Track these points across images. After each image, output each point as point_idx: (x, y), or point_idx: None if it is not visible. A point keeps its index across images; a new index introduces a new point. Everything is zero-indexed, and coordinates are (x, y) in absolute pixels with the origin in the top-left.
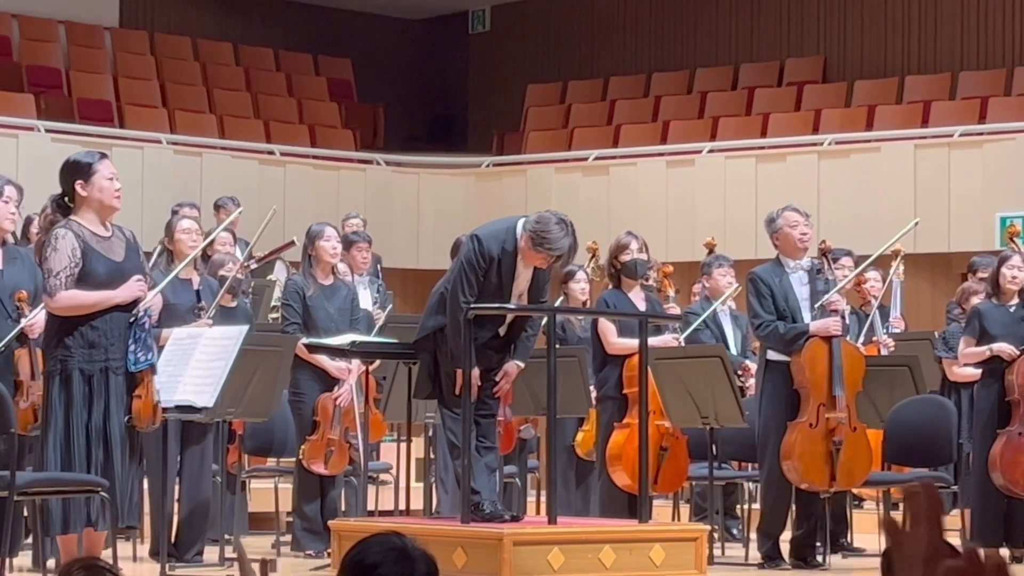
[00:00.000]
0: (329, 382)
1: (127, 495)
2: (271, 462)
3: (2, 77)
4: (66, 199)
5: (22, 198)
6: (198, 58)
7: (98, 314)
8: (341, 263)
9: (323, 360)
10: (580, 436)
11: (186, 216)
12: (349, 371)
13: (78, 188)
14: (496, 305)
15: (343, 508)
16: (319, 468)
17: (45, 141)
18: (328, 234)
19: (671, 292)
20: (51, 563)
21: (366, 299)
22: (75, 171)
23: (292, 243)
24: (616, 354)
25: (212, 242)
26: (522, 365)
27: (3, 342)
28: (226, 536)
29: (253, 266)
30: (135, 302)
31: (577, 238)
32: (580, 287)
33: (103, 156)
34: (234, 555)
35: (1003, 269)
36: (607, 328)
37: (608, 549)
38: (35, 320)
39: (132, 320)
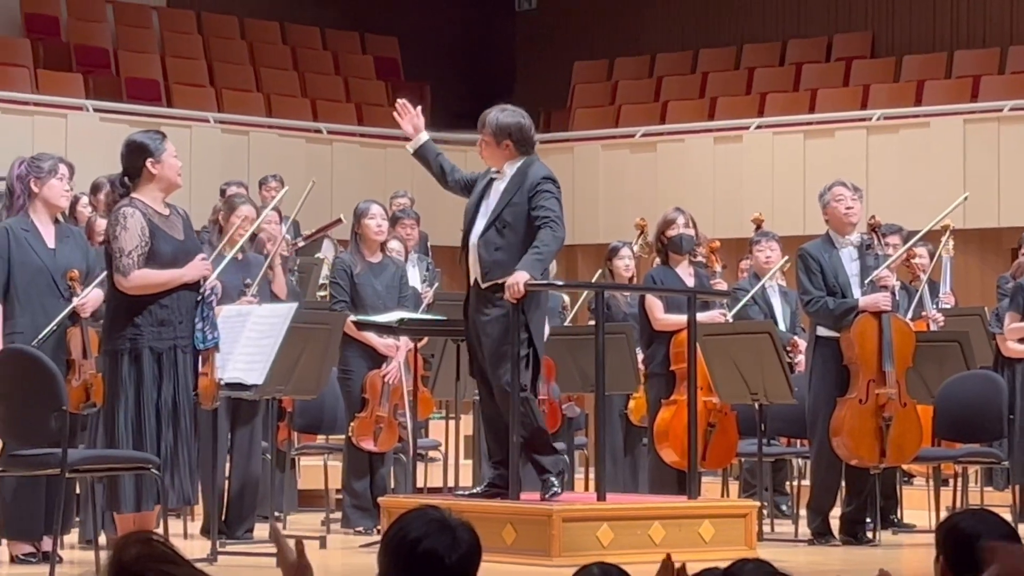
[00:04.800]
0: (377, 359)
1: (196, 473)
2: (320, 439)
3: (51, 57)
4: (126, 178)
5: (73, 176)
6: (245, 37)
7: (166, 292)
8: (394, 241)
9: (371, 337)
10: (632, 403)
11: (247, 202)
12: (397, 348)
13: (149, 166)
14: (547, 283)
15: (392, 485)
16: (368, 445)
17: (94, 120)
18: (373, 212)
19: (718, 268)
20: (102, 539)
21: (415, 277)
22: (144, 150)
23: (339, 221)
24: (663, 330)
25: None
26: (527, 275)
27: (56, 321)
28: (276, 513)
29: (300, 244)
30: (200, 280)
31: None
32: (624, 263)
33: (164, 136)
34: (285, 533)
35: None
36: (654, 304)
37: (657, 525)
38: (87, 299)
39: (200, 299)
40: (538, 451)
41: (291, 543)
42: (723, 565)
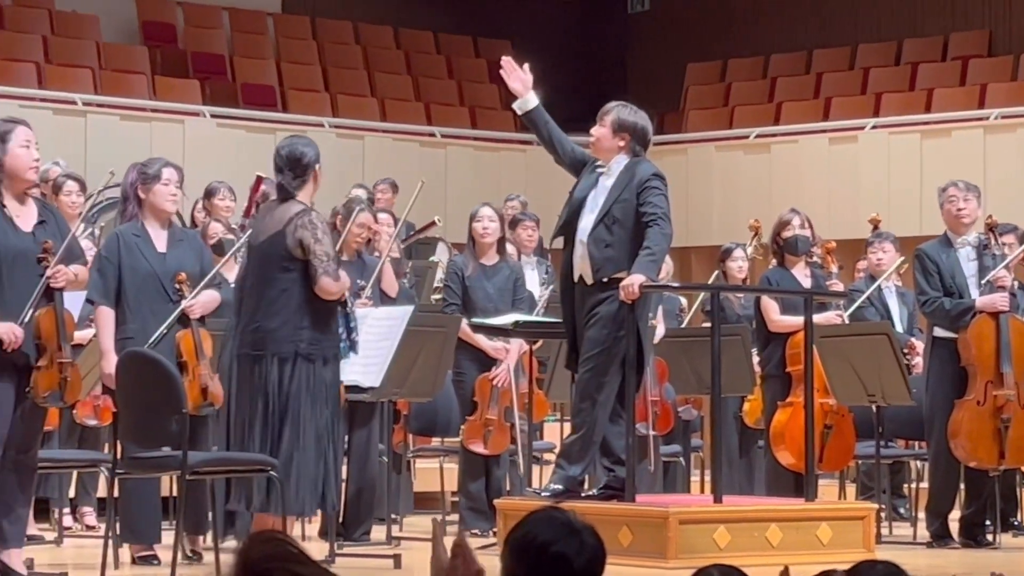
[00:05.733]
0: (487, 362)
1: (316, 484)
2: (436, 442)
3: (168, 64)
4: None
5: (183, 180)
6: (359, 42)
7: (333, 301)
8: (509, 244)
9: (481, 340)
10: (747, 406)
11: (365, 209)
12: (506, 351)
13: (318, 170)
14: (663, 284)
15: (507, 487)
16: (478, 448)
17: (210, 126)
18: (481, 214)
19: (834, 268)
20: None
21: (533, 279)
22: (309, 158)
23: (434, 223)
24: (778, 332)
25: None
26: (643, 277)
27: (166, 324)
28: (392, 515)
29: (399, 246)
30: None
31: None
32: (736, 264)
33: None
34: (402, 535)
35: None
36: (769, 306)
37: (775, 528)
38: (195, 301)
39: (345, 307)
40: (567, 455)
41: (447, 545)
42: (841, 568)
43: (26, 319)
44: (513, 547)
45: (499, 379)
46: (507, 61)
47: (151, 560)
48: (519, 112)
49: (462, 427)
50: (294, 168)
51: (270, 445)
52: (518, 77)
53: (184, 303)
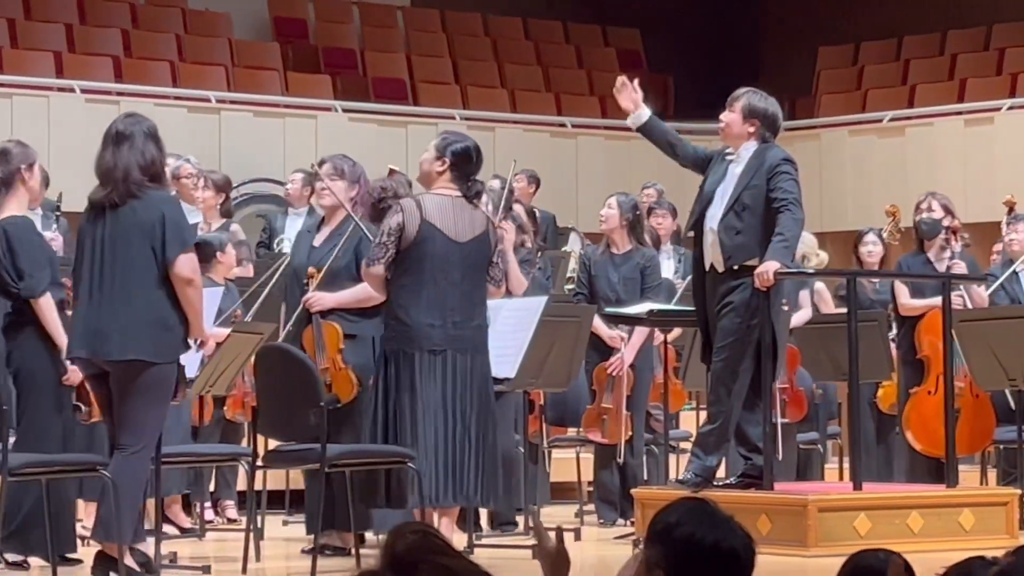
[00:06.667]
0: (607, 351)
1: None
2: (571, 432)
3: (299, 59)
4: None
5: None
6: (488, 34)
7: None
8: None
9: (600, 328)
10: (881, 392)
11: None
12: (623, 340)
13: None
14: (798, 271)
15: (644, 477)
16: (596, 437)
17: (342, 121)
18: (608, 203)
19: (956, 248)
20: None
21: (668, 268)
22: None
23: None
24: (907, 315)
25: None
26: (777, 264)
27: (292, 319)
28: (531, 506)
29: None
30: None
31: None
32: (866, 249)
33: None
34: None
35: None
36: (899, 289)
37: (916, 515)
38: (313, 296)
39: None
40: (703, 445)
41: (551, 533)
42: (986, 554)
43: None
44: (661, 537)
45: (614, 368)
46: (622, 82)
47: (325, 550)
48: (633, 127)
49: (582, 416)
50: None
51: (476, 436)
52: (628, 95)
53: (304, 297)
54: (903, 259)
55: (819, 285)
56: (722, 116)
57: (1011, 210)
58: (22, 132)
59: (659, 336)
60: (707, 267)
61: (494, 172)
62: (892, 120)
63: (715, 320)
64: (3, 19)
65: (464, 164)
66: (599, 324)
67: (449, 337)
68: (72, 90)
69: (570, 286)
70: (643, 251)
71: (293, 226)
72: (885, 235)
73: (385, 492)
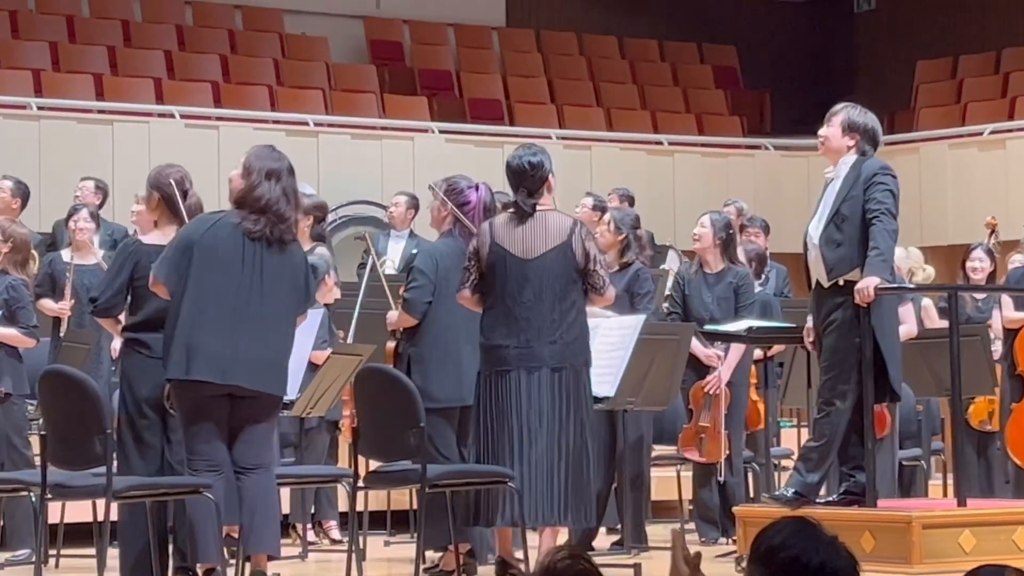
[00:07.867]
0: (704, 370)
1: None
2: (671, 450)
3: (396, 81)
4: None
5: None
6: (583, 53)
7: None
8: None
9: (696, 347)
10: (972, 407)
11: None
12: (719, 358)
13: (551, 181)
14: (898, 286)
15: (748, 494)
16: (693, 456)
17: (439, 142)
18: (700, 221)
19: (991, 243)
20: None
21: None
22: (544, 169)
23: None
24: (1011, 327)
25: None
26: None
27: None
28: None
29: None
30: None
31: None
32: (971, 265)
33: None
34: (638, 545)
35: None
36: (1004, 302)
37: (1021, 531)
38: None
39: None
40: (806, 461)
41: (688, 555)
42: None
43: None
44: (765, 559)
45: (711, 386)
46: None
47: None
48: None
49: (679, 435)
50: (532, 185)
51: (561, 456)
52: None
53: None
54: (1011, 273)
55: (926, 301)
56: (821, 131)
57: None
58: (123, 158)
59: (758, 353)
60: (813, 283)
61: (588, 190)
62: (992, 133)
63: (822, 337)
64: (104, 47)
65: (517, 178)
66: (694, 343)
67: (518, 356)
68: (172, 116)
69: (666, 303)
70: (736, 269)
71: (396, 248)
72: (990, 248)
73: (474, 510)
